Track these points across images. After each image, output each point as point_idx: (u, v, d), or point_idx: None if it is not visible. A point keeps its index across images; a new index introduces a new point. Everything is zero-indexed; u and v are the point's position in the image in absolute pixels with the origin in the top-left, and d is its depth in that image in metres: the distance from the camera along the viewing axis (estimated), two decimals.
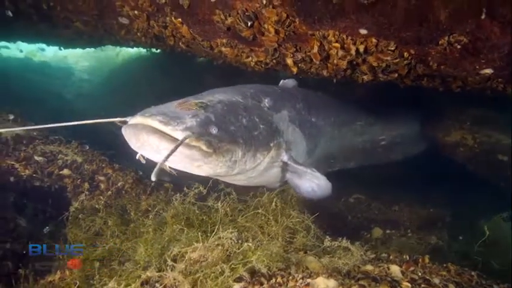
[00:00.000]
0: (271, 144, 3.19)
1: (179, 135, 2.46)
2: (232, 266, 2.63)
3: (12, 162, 4.01)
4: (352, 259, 2.79)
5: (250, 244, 2.64)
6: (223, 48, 3.67)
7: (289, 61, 3.44)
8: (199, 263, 2.73)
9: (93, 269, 3.01)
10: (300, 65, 3.53)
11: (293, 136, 3.56)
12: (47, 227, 3.55)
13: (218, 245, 2.74)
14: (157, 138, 2.43)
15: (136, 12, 3.91)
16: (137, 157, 2.64)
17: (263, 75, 4.48)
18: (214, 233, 2.83)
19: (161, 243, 3.02)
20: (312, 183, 3.47)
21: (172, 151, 2.30)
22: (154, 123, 2.46)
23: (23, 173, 3.99)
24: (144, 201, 3.94)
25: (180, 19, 3.60)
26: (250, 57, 3.67)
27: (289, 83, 4.13)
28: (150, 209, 3.67)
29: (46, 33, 6.00)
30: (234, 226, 3.22)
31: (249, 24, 3.14)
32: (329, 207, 5.21)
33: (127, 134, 2.54)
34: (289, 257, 2.85)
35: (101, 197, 3.98)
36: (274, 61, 3.59)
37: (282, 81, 4.13)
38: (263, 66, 3.79)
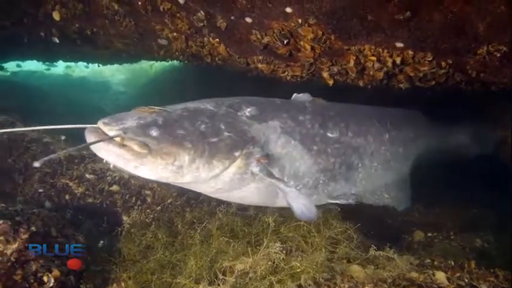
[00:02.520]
0: (237, 154, 2.94)
1: (112, 134, 2.55)
2: (279, 278, 2.72)
3: (67, 181, 4.22)
4: (396, 269, 2.80)
5: (298, 263, 2.68)
6: (259, 65, 3.77)
7: (325, 74, 3.50)
8: (247, 275, 2.83)
9: (147, 281, 3.18)
10: (336, 77, 3.58)
11: (285, 149, 3.24)
12: (102, 242, 3.68)
13: (265, 259, 2.79)
14: (93, 138, 2.55)
15: (175, 34, 4.07)
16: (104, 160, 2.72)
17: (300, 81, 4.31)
18: (264, 246, 2.88)
19: (209, 255, 3.09)
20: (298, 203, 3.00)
21: (86, 145, 2.54)
22: (100, 124, 2.61)
23: (76, 191, 4.18)
24: (188, 213, 3.98)
25: (217, 39, 3.73)
26: (286, 72, 3.74)
27: (303, 97, 3.67)
28: (195, 221, 3.78)
29: (88, 54, 6.32)
30: (278, 237, 3.29)
31: (285, 42, 3.22)
32: (368, 211, 5.17)
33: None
34: (333, 266, 2.87)
35: (149, 211, 4.10)
36: (310, 74, 3.65)
37: (294, 95, 3.73)
38: (299, 79, 3.86)
